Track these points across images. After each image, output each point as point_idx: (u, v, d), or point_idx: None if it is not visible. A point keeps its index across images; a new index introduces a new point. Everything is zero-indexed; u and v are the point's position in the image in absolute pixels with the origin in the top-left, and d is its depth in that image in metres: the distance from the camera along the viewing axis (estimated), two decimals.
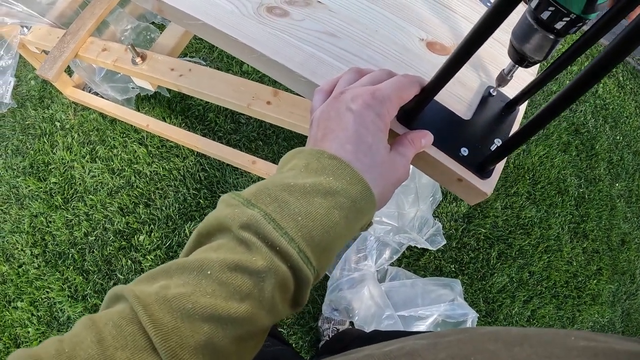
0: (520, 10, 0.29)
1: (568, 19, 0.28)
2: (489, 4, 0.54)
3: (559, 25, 0.29)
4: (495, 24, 0.26)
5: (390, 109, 0.33)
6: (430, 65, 0.43)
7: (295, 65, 0.42)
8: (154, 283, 0.26)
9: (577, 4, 0.26)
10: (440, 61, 0.45)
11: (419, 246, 1.12)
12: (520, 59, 0.34)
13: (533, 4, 0.29)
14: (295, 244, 0.27)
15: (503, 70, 0.38)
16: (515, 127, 0.41)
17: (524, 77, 0.48)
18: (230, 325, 0.25)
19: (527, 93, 0.39)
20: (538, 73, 0.49)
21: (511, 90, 0.46)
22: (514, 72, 0.38)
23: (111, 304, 0.26)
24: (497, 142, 0.38)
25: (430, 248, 1.12)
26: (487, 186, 0.37)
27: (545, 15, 0.29)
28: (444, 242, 1.12)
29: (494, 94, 0.42)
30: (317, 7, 0.48)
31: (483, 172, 0.37)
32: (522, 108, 0.43)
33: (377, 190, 0.31)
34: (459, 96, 0.41)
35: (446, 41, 0.46)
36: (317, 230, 0.27)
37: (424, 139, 0.35)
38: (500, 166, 0.39)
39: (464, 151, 0.37)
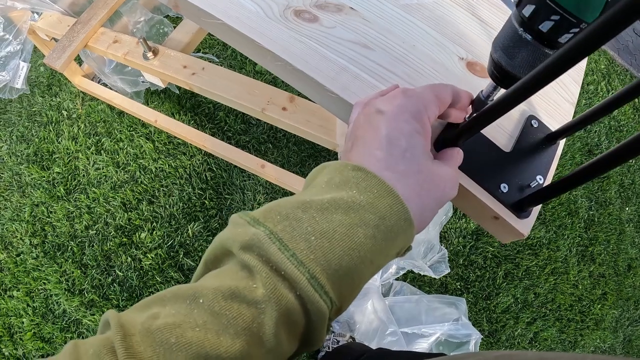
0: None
1: (577, 29, 0.22)
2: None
3: (563, 38, 0.23)
4: (582, 55, 0.20)
5: (428, 107, 0.28)
6: (470, 88, 0.40)
7: (325, 79, 0.39)
8: (146, 311, 0.23)
9: (593, 13, 0.21)
10: (480, 84, 0.43)
11: (422, 273, 1.09)
12: (503, 78, 0.28)
13: (526, 12, 0.23)
14: (305, 268, 0.23)
15: (480, 92, 0.33)
16: (554, 163, 0.39)
17: (563, 105, 0.46)
18: None
19: (572, 127, 0.37)
20: (579, 104, 0.46)
21: (547, 118, 0.43)
22: (496, 94, 0.33)
23: (103, 330, 0.24)
24: (539, 179, 0.35)
25: (433, 276, 1.09)
26: (525, 227, 0.35)
27: (545, 26, 0.23)
28: (448, 270, 1.09)
29: (535, 125, 0.39)
30: (349, 13, 0.45)
31: (521, 211, 0.34)
32: (562, 142, 0.40)
33: (414, 204, 0.26)
34: (500, 125, 0.38)
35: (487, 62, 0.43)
36: (335, 252, 0.23)
37: (459, 156, 0.32)
38: (538, 206, 0.36)
39: (504, 187, 0.34)
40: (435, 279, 1.18)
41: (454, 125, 0.34)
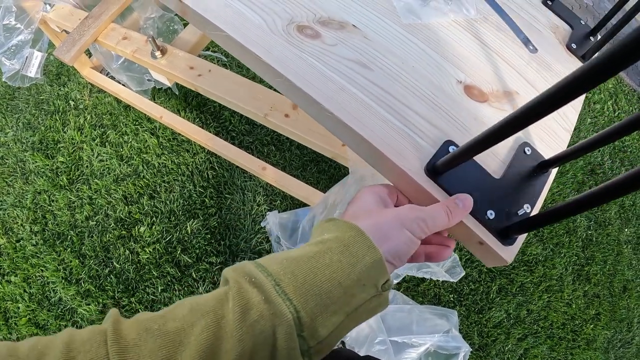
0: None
1: None
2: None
3: None
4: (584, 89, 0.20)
5: (387, 196, 0.38)
6: (465, 112, 0.41)
7: (323, 98, 0.40)
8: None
9: None
10: (476, 108, 0.43)
11: (440, 279, 1.09)
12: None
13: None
14: (272, 277, 0.27)
15: None
16: (544, 193, 0.39)
17: (559, 132, 0.46)
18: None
19: (566, 157, 0.37)
20: (584, 122, 0.46)
21: (542, 145, 0.44)
22: None
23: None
24: (527, 207, 0.36)
25: (451, 280, 1.09)
26: (509, 254, 0.35)
27: None
28: (463, 272, 1.08)
29: (528, 152, 0.40)
30: (352, 31, 0.46)
31: (507, 238, 0.35)
32: (554, 171, 0.41)
33: (375, 235, 0.31)
34: (493, 151, 0.39)
35: (485, 86, 0.44)
36: (301, 268, 0.28)
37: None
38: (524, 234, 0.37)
39: (490, 214, 0.35)
40: (428, 289, 1.18)
41: (442, 154, 0.35)
